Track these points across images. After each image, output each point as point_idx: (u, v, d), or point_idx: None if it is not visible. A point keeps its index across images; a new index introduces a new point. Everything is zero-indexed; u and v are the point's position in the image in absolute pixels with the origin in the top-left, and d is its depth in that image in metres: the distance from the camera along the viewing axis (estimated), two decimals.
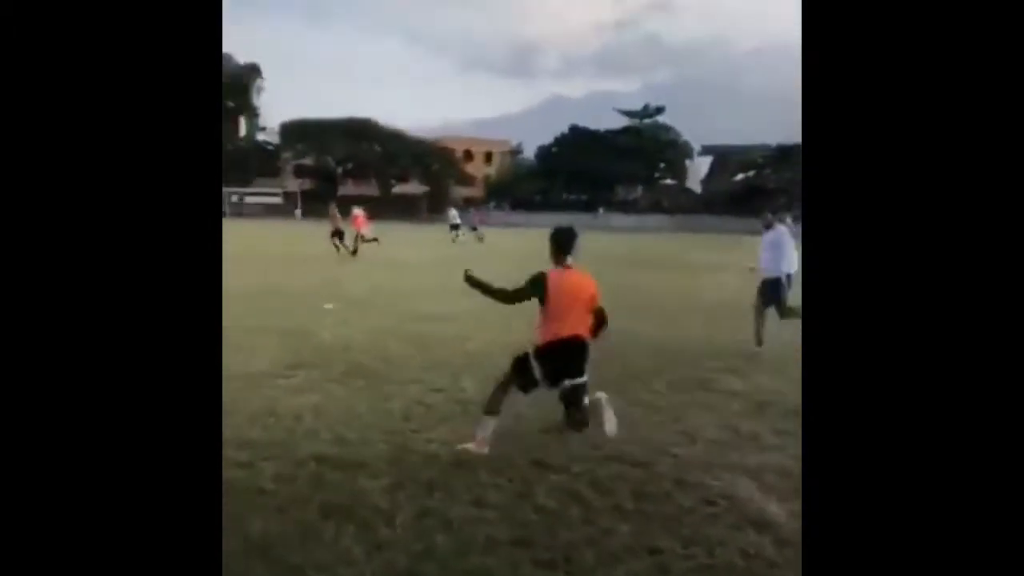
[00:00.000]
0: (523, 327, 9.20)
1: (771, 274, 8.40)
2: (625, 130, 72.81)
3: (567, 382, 4.53)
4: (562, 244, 4.77)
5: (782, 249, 8.37)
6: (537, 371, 4.58)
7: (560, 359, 4.57)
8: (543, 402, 5.64)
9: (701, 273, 18.54)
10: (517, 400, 5.68)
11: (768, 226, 8.62)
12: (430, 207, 74.57)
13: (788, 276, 8.37)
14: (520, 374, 4.66)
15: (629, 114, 74.85)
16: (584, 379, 4.55)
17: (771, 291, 8.38)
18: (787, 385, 6.43)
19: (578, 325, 4.64)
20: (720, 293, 13.79)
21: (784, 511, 3.73)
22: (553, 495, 3.90)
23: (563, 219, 34.74)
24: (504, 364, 7.09)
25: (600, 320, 4.81)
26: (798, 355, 7.74)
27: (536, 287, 4.61)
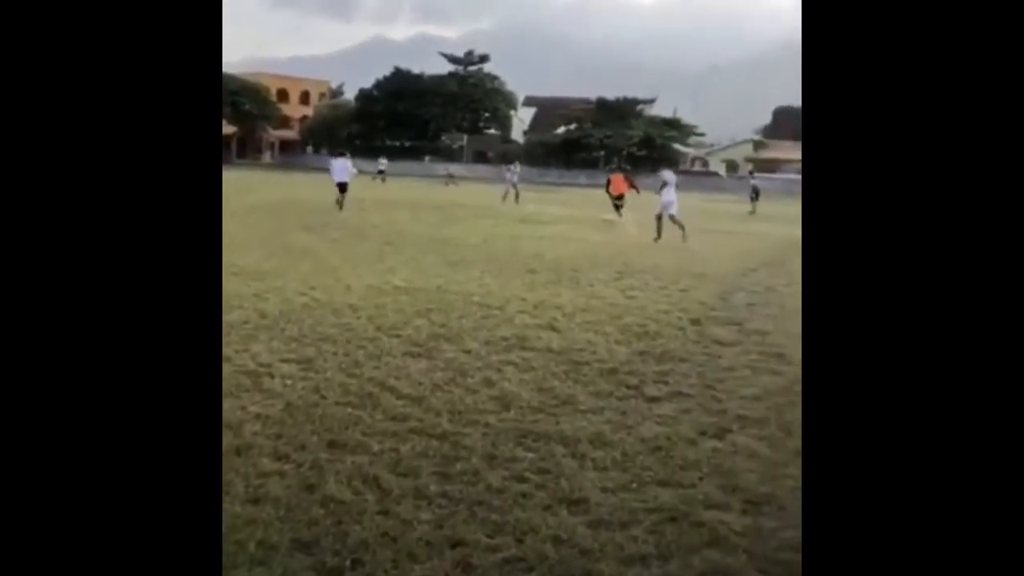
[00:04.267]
0: (328, 283, 8.52)
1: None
2: (450, 76, 71.52)
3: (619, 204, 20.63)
4: (623, 172, 27.02)
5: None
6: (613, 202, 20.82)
7: (616, 199, 20.74)
8: (353, 369, 5.08)
9: (523, 225, 18.50)
10: (328, 372, 5.08)
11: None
12: (239, 151, 69.79)
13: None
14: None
15: (454, 60, 73.46)
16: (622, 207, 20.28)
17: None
18: (602, 340, 6.31)
19: (621, 188, 20.78)
20: (540, 245, 13.73)
21: (597, 485, 3.48)
22: (346, 482, 3.40)
23: (386, 166, 33.68)
24: (303, 325, 6.44)
25: (633, 185, 20.85)
26: (612, 310, 7.71)
27: (607, 183, 21.68)
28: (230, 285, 8.11)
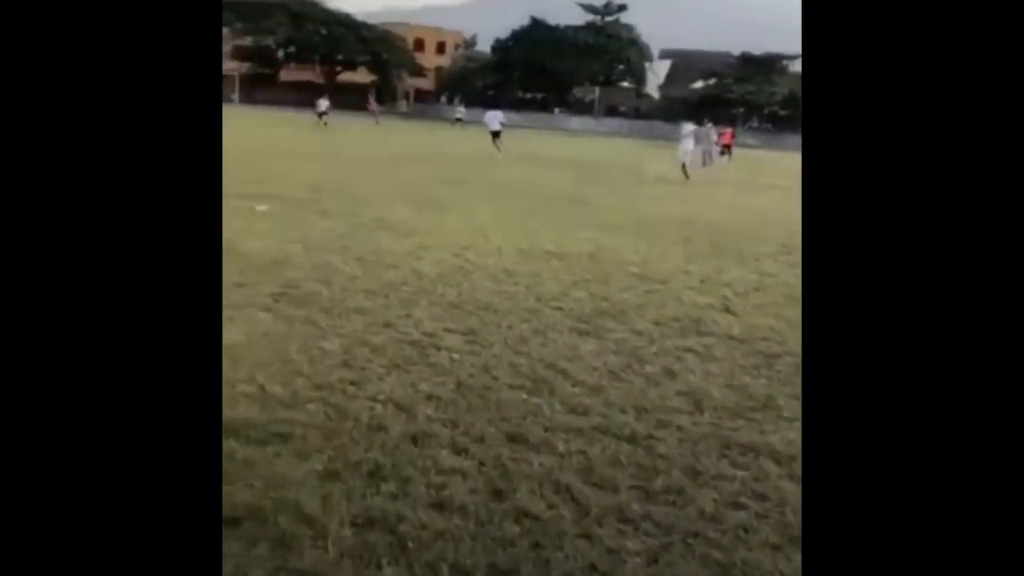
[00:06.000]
0: (479, 243, 8.20)
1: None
2: (586, 27, 69.57)
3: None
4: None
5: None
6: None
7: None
8: (520, 345, 4.67)
9: (665, 185, 17.61)
10: (494, 347, 4.68)
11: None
12: (378, 98, 71.25)
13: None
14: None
15: (591, 9, 71.32)
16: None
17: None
18: (786, 328, 5.62)
19: (726, 139, 25.38)
20: (688, 209, 12.91)
21: None
22: (538, 490, 3.00)
23: (516, 118, 35.12)
24: (461, 290, 6.12)
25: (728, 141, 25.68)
26: (787, 290, 6.95)
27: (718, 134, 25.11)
28: (383, 241, 7.96)
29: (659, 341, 5.14)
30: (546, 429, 3.60)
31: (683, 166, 18.62)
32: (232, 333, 4.57)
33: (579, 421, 3.72)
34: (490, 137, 24.43)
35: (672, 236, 9.81)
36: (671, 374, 4.50)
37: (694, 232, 10.25)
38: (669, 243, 9.25)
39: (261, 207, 9.42)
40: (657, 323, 5.58)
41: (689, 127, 19.51)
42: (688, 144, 18.86)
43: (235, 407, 3.57)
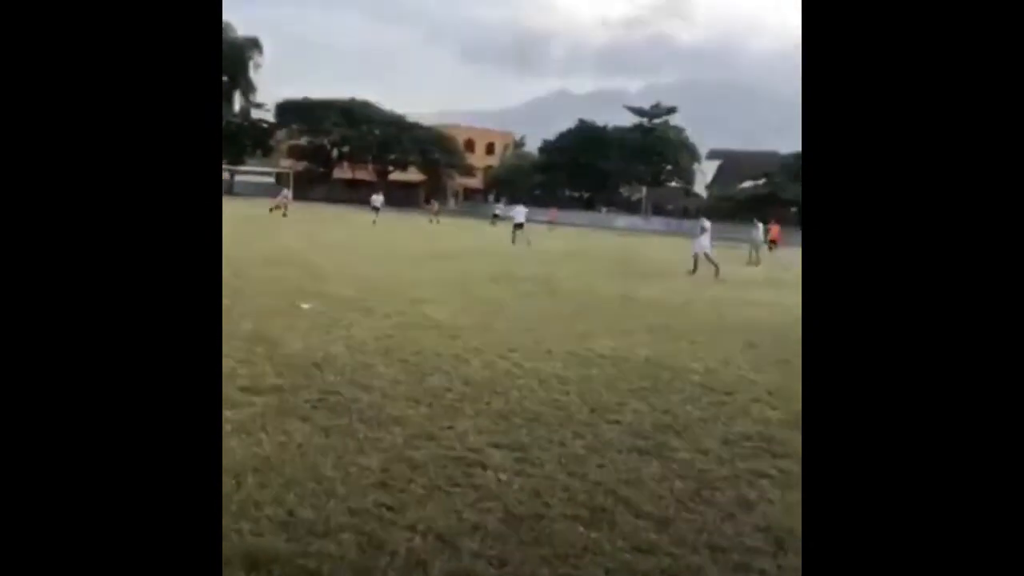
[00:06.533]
0: (527, 345, 7.85)
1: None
2: (634, 128, 71.07)
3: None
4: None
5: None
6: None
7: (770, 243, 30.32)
8: (574, 466, 4.22)
9: (719, 285, 17.16)
10: (546, 466, 4.24)
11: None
12: (427, 196, 73.21)
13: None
14: None
15: (639, 112, 73.01)
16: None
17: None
18: None
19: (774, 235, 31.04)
20: (747, 312, 12.42)
21: None
22: None
23: (563, 216, 37.05)
24: (509, 398, 5.73)
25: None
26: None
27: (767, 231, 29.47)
28: (427, 341, 7.66)
29: (730, 463, 4.64)
30: (608, 571, 3.13)
31: (707, 257, 19.31)
32: (265, 446, 4.24)
33: (645, 562, 3.24)
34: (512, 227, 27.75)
35: (734, 341, 9.31)
36: (746, 505, 3.99)
37: (757, 336, 9.72)
38: (731, 349, 8.75)
39: (305, 304, 9.27)
40: (726, 441, 5.08)
41: (707, 223, 20.27)
42: (704, 240, 19.67)
43: (261, 535, 3.20)
